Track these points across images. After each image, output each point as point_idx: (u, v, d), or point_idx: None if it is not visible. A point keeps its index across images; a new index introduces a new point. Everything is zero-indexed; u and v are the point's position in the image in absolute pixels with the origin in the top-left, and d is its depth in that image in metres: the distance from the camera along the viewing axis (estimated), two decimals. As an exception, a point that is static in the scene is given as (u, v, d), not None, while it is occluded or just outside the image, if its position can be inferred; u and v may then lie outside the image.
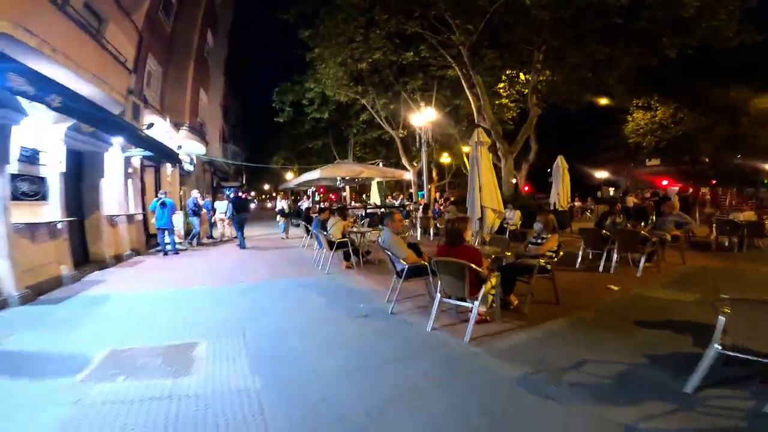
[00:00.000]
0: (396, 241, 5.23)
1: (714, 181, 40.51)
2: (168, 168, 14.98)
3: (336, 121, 26.36)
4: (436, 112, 15.93)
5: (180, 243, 12.01)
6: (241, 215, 12.10)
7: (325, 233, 8.20)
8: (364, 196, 43.68)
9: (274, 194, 59.00)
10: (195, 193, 13.30)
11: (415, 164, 20.89)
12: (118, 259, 9.69)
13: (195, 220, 12.81)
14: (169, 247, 10.99)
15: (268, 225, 21.04)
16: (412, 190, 31.65)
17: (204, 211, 14.24)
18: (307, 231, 11.60)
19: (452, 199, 21.81)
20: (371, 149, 29.80)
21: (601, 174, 43.54)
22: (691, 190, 26.83)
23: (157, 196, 10.96)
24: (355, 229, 9.16)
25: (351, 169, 16.49)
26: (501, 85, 19.30)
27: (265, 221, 25.24)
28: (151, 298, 6.45)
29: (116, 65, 9.08)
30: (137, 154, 10.69)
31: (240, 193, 12.90)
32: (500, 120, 20.58)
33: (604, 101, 22.18)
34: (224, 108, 30.31)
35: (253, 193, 75.71)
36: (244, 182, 41.98)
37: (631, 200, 13.70)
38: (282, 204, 14.68)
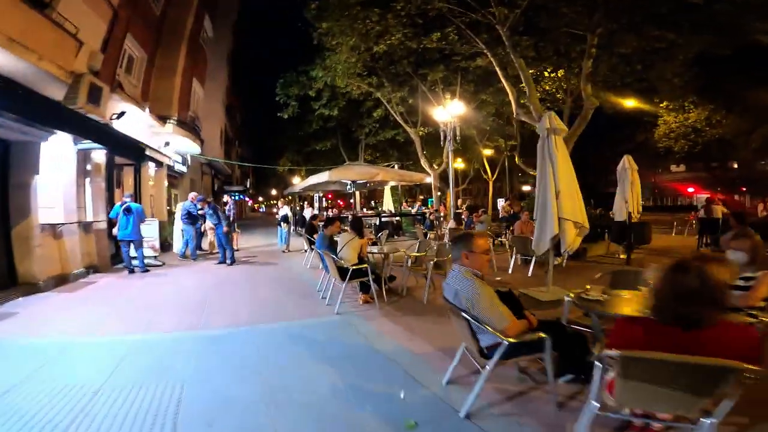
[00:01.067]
0: (487, 295, 2.60)
1: (743, 189, 37.65)
2: (151, 167, 12.53)
3: (345, 120, 23.88)
4: (463, 105, 13.35)
5: (154, 257, 9.49)
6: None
7: (334, 257, 5.59)
8: (372, 202, 41.25)
9: (281, 200, 56.79)
10: (191, 197, 10.84)
11: (436, 166, 18.28)
12: (61, 281, 7.21)
13: (188, 230, 10.40)
14: (135, 263, 8.49)
15: (270, 234, 18.54)
16: (419, 197, 29.10)
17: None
18: (311, 245, 9.05)
19: (464, 204, 19.23)
20: (382, 152, 27.25)
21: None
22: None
23: (122, 201, 8.46)
24: (375, 249, 6.55)
25: (364, 172, 13.94)
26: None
27: (268, 229, 22.78)
28: (55, 353, 3.90)
29: (60, 35, 6.67)
30: (96, 147, 8.20)
31: (228, 198, 10.34)
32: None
33: (630, 102, 19.38)
34: (228, 107, 28.05)
35: (260, 199, 73.51)
36: (249, 187, 39.67)
37: (719, 210, 10.94)
38: (284, 211, 12.11)
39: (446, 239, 10.89)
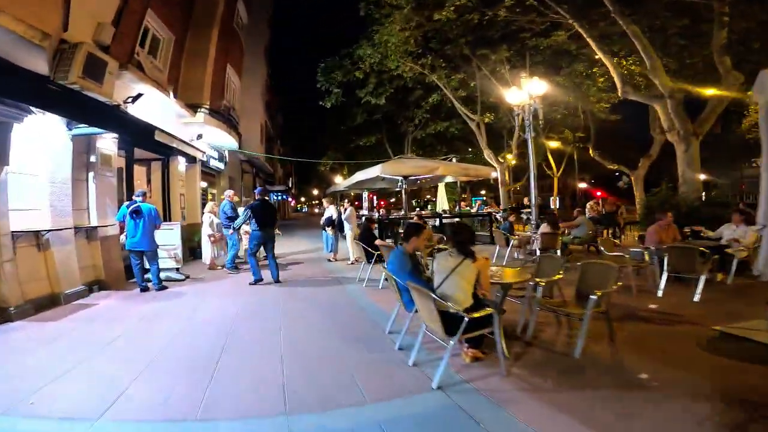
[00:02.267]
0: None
1: None
2: (181, 163, 10.78)
3: (392, 113, 21.66)
4: (546, 83, 10.66)
5: (176, 269, 7.60)
6: (265, 231, 7.40)
7: (434, 295, 3.21)
8: (414, 201, 38.52)
9: (322, 200, 55.22)
10: (228, 195, 9.01)
11: (501, 159, 15.59)
12: (50, 303, 5.38)
13: (231, 235, 8.68)
14: (149, 276, 6.61)
15: (313, 236, 16.57)
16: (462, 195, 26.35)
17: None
18: (369, 257, 6.85)
19: (541, 206, 16.35)
20: (429, 147, 24.77)
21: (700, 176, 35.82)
22: None
23: (130, 200, 6.60)
24: (496, 276, 4.04)
25: (421, 166, 11.66)
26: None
27: (311, 230, 20.92)
28: None
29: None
30: (97, 133, 6.35)
31: (265, 196, 8.36)
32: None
33: (710, 91, 15.63)
34: (267, 104, 26.57)
35: (302, 199, 72.84)
36: (291, 186, 38.39)
37: None
38: (329, 212, 9.96)
39: (536, 247, 8.33)
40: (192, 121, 10.86)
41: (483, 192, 39.50)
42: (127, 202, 6.51)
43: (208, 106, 11.36)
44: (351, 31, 14.13)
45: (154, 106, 9.20)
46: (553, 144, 20.95)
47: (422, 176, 13.09)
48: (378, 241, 6.61)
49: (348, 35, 14.12)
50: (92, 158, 6.66)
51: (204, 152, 12.14)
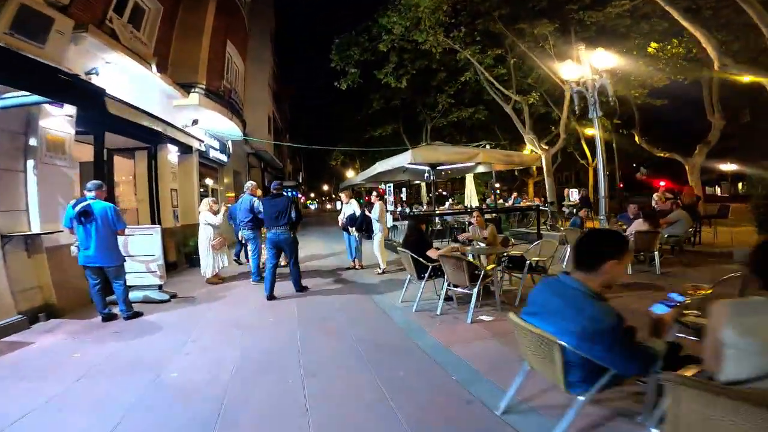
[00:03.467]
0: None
1: None
2: (172, 152, 8.90)
3: (410, 100, 19.61)
4: (613, 55, 8.58)
5: (158, 287, 5.72)
6: (277, 232, 5.80)
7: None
8: (428, 195, 36.20)
9: (334, 196, 52.96)
10: (250, 186, 7.13)
11: (545, 146, 13.43)
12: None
13: (253, 239, 6.99)
14: (114, 298, 4.75)
15: (328, 236, 14.63)
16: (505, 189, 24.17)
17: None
18: (420, 270, 4.88)
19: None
20: (448, 137, 22.62)
21: (728, 167, 33.15)
22: None
23: (77, 198, 4.70)
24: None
25: (459, 152, 9.64)
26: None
27: (324, 229, 18.98)
28: None
29: None
30: (28, 102, 4.41)
31: (274, 188, 6.59)
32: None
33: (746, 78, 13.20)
34: (275, 95, 24.66)
35: (312, 195, 71.01)
36: (301, 182, 36.56)
37: None
38: (351, 208, 7.90)
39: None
40: (185, 104, 8.99)
41: (498, 185, 37.16)
42: (74, 201, 4.59)
43: (204, 86, 9.46)
44: (366, 4, 12.17)
45: (138, 84, 7.38)
46: (589, 131, 18.65)
47: (457, 164, 11.10)
48: (437, 252, 4.65)
49: (363, 9, 12.12)
50: (32, 141, 4.78)
51: (201, 141, 10.27)
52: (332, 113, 25.05)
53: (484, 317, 4.49)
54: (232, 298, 5.96)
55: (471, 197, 14.44)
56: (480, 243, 5.46)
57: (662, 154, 15.86)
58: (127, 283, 4.96)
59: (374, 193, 7.45)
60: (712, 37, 7.81)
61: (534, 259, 5.08)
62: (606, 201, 8.31)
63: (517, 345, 2.41)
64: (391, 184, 14.09)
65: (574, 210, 13.51)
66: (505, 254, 5.06)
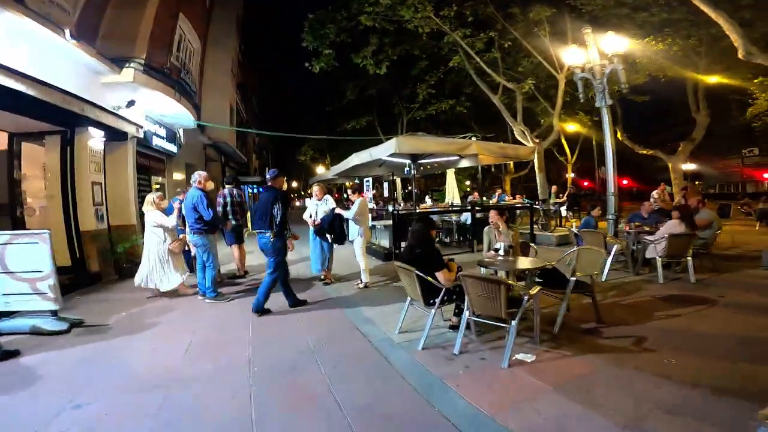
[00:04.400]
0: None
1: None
2: (96, 139, 7.00)
3: (387, 91, 18.16)
4: (626, 38, 7.50)
5: (51, 313, 4.00)
6: (259, 234, 4.77)
7: None
8: (406, 189, 34.71)
9: (303, 192, 50.56)
10: (198, 178, 5.37)
11: (537, 140, 12.24)
12: None
13: (202, 244, 5.29)
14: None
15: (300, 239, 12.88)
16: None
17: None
18: (429, 295, 3.44)
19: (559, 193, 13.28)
20: (424, 132, 21.33)
21: (687, 166, 33.70)
22: None
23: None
24: None
25: (449, 143, 8.33)
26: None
27: (295, 228, 17.09)
28: None
29: None
30: None
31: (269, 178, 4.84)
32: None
33: (713, 78, 12.82)
34: (240, 85, 22.51)
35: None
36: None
37: None
38: (326, 206, 6.16)
39: (655, 254, 5.11)
40: (117, 81, 7.09)
41: (468, 183, 36.43)
42: None
43: (143, 61, 7.59)
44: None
45: (53, 56, 5.58)
46: (571, 127, 17.88)
47: (442, 157, 9.80)
48: (457, 274, 3.25)
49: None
50: None
51: (140, 126, 8.38)
52: (303, 105, 23.23)
53: (522, 356, 3.16)
54: (163, 327, 4.29)
55: (453, 194, 13.19)
56: (498, 250, 4.08)
57: (644, 152, 15.24)
58: (7, 309, 3.29)
59: (350, 190, 5.86)
60: (736, 25, 6.82)
61: (578, 275, 3.76)
62: (615, 199, 7.24)
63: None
64: (370, 179, 12.59)
65: (558, 208, 12.54)
66: (535, 269, 3.72)
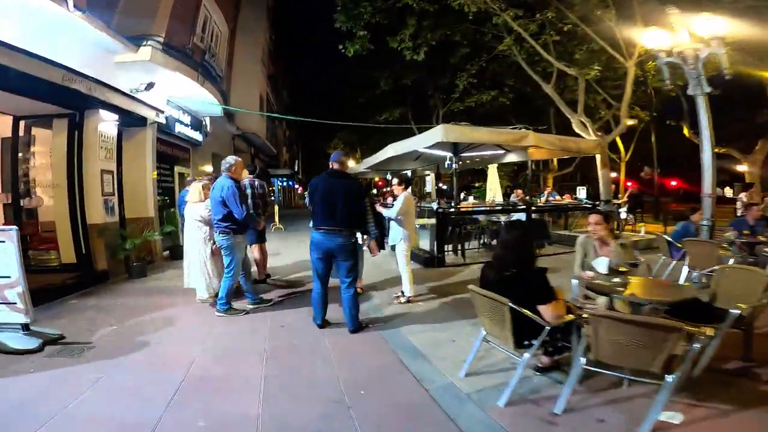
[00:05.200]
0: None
1: None
2: (108, 123, 6.23)
3: (422, 81, 16.95)
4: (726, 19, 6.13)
5: (20, 327, 3.17)
6: (331, 233, 3.67)
7: None
8: (439, 185, 33.02)
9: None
10: (229, 165, 4.31)
11: (598, 133, 10.65)
12: None
13: (224, 242, 4.26)
14: None
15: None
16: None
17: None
18: (523, 335, 2.36)
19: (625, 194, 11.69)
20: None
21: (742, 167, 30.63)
22: None
23: None
24: None
25: (502, 133, 7.20)
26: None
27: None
28: None
29: None
30: None
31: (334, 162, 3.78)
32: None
33: None
34: (271, 77, 21.92)
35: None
36: (298, 171, 33.83)
37: None
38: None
39: None
40: (132, 59, 6.28)
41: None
42: None
43: (161, 39, 6.78)
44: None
45: (59, 33, 4.84)
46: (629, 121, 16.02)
47: (487, 151, 8.63)
48: (592, 311, 2.15)
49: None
50: None
51: (160, 111, 7.64)
52: (334, 98, 22.42)
53: (665, 416, 2.08)
54: (154, 351, 3.36)
55: (495, 192, 11.93)
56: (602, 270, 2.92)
57: (716, 150, 13.37)
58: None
59: (395, 181, 4.66)
60: None
61: (740, 306, 2.56)
62: (713, 201, 5.89)
63: None
64: (409, 172, 11.49)
65: (617, 210, 11.00)
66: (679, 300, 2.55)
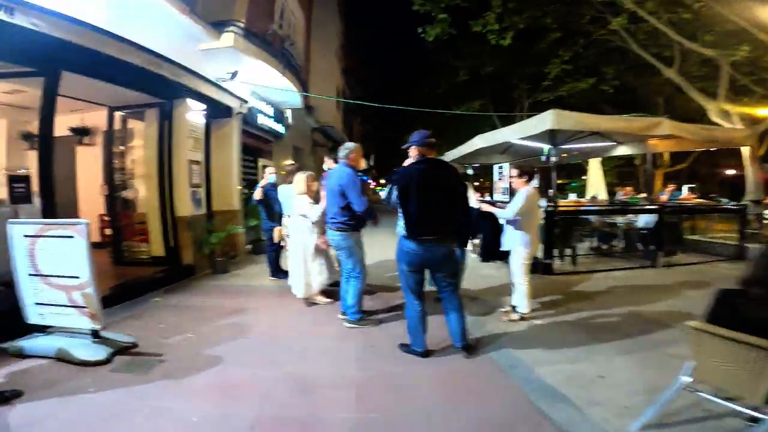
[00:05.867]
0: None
1: None
2: (192, 110, 6.04)
3: (504, 70, 15.44)
4: None
5: (95, 332, 2.84)
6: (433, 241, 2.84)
7: None
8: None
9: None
10: (349, 150, 3.71)
11: (742, 125, 8.63)
12: None
13: (342, 243, 3.76)
14: None
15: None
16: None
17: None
18: None
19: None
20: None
21: None
22: None
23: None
24: None
25: (627, 120, 5.95)
26: None
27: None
28: None
29: None
30: None
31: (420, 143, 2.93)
32: None
33: None
34: (344, 70, 21.73)
35: (382, 181, 67.76)
36: (372, 164, 33.63)
37: None
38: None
39: None
40: (216, 46, 6.03)
41: (584, 177, 31.17)
42: None
43: (243, 25, 6.48)
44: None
45: (143, 17, 4.65)
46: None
47: (600, 142, 7.29)
48: None
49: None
50: None
51: (244, 101, 7.44)
52: (410, 91, 21.63)
53: None
54: (228, 371, 2.84)
55: (598, 188, 10.34)
56: None
57: None
58: (41, 322, 2.37)
59: (514, 173, 3.69)
60: None
61: None
62: None
63: None
64: (504, 165, 10.33)
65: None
66: None
